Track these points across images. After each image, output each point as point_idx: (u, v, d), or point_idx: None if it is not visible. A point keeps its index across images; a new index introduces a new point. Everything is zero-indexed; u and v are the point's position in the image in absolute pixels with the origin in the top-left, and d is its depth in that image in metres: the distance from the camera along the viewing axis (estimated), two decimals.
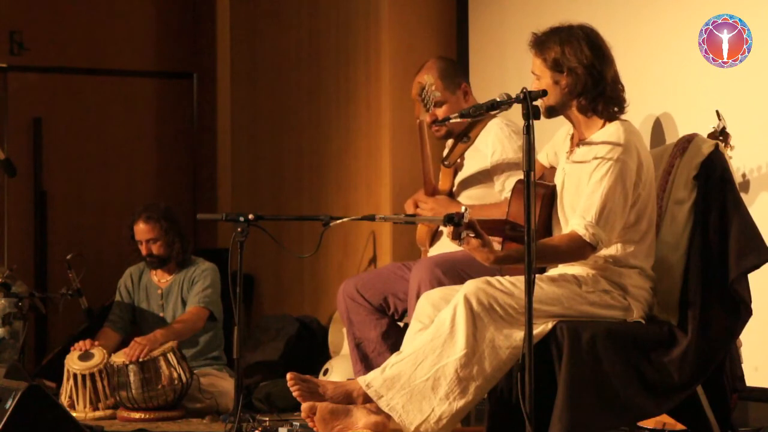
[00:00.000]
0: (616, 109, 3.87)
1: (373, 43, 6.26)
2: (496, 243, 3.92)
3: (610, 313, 3.82)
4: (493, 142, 4.79)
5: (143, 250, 5.79)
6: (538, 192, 3.93)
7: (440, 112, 4.84)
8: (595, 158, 3.78)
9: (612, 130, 3.82)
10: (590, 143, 3.84)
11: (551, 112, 3.90)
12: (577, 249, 3.75)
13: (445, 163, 4.89)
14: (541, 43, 3.88)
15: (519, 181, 4.06)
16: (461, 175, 4.88)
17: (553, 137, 4.16)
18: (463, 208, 3.64)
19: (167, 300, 5.84)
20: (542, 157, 4.18)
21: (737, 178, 4.00)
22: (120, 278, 5.98)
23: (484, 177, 4.82)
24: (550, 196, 3.98)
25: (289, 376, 3.90)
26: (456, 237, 3.65)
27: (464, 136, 4.87)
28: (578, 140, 3.92)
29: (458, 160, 4.85)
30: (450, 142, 4.98)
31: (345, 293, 4.86)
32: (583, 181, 3.81)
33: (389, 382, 3.76)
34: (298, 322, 6.40)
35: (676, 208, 3.94)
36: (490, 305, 3.72)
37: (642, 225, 3.85)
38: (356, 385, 3.85)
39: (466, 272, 4.26)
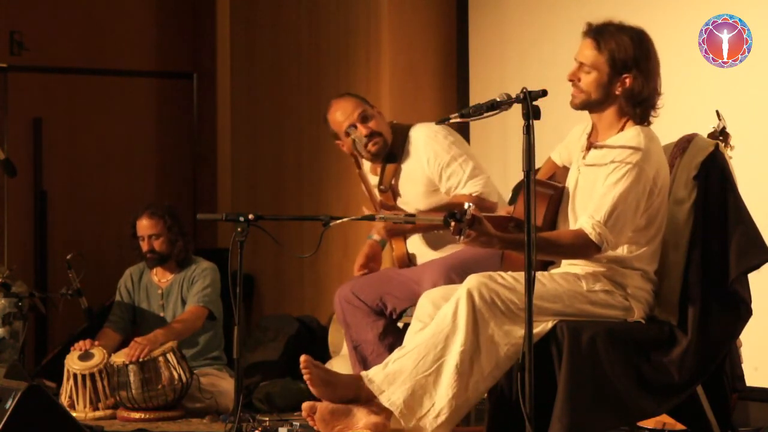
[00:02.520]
0: (652, 114, 3.85)
1: (373, 43, 6.26)
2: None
3: (611, 312, 3.82)
4: (425, 150, 4.81)
5: (144, 246, 5.79)
6: (546, 192, 3.92)
7: (372, 125, 4.85)
8: (614, 161, 3.75)
9: (632, 134, 3.79)
10: (609, 146, 3.81)
11: (587, 106, 3.84)
12: (581, 247, 3.74)
13: (381, 188, 4.91)
14: (606, 36, 3.80)
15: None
16: (412, 194, 4.89)
17: (567, 136, 4.13)
18: (466, 205, 3.63)
19: (167, 300, 5.84)
20: (555, 156, 4.15)
21: (737, 178, 4.00)
22: (120, 278, 5.99)
23: (431, 185, 4.83)
24: (558, 198, 3.96)
25: (303, 358, 3.86)
26: (457, 233, 3.64)
27: (390, 156, 4.89)
28: (595, 141, 3.90)
29: (392, 182, 4.88)
30: (370, 168, 4.98)
31: (341, 297, 4.87)
32: (598, 183, 3.79)
33: (391, 376, 3.76)
34: (298, 322, 6.41)
35: (676, 208, 3.93)
36: (492, 300, 3.71)
37: (651, 230, 3.83)
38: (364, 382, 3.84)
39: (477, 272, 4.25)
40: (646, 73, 3.80)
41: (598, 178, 3.80)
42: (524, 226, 3.74)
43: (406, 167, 4.87)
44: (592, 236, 3.71)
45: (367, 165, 5.02)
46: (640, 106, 3.81)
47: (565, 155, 4.11)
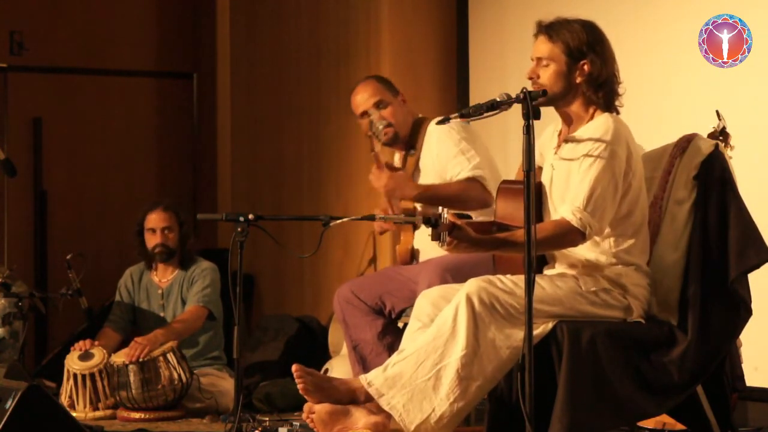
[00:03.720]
0: (616, 103, 3.87)
1: (373, 43, 6.26)
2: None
3: (611, 313, 3.82)
4: (437, 145, 4.85)
5: (157, 239, 5.78)
6: (521, 189, 3.91)
7: (386, 113, 4.91)
8: (585, 148, 3.76)
9: (601, 122, 3.81)
10: (579, 138, 3.82)
11: (551, 101, 3.85)
12: (565, 235, 3.73)
13: None
14: (557, 28, 3.84)
15: (504, 182, 4.06)
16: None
17: (540, 137, 4.14)
18: (440, 209, 3.63)
19: (167, 299, 5.84)
20: None
21: (737, 178, 4.00)
22: (120, 278, 5.99)
23: (440, 180, 4.84)
24: (537, 194, 3.96)
25: (294, 367, 3.87)
26: (435, 238, 3.64)
27: (410, 147, 4.94)
28: (567, 135, 3.91)
29: (414, 173, 4.91)
30: (398, 158, 5.04)
31: (340, 297, 4.88)
32: (573, 173, 3.80)
33: (390, 380, 3.76)
34: (298, 322, 6.40)
35: (676, 208, 3.93)
36: (492, 304, 3.71)
37: (636, 218, 3.84)
38: (360, 383, 3.84)
39: (475, 275, 4.26)
40: (603, 56, 3.83)
41: (572, 168, 3.80)
42: (506, 229, 3.76)
43: (422, 159, 4.90)
44: (574, 222, 3.70)
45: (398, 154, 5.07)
46: (602, 89, 3.83)
47: (538, 156, 4.09)
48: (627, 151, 3.78)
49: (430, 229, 3.65)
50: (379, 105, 4.92)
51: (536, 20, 3.90)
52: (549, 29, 3.85)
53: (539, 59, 3.85)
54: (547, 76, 3.83)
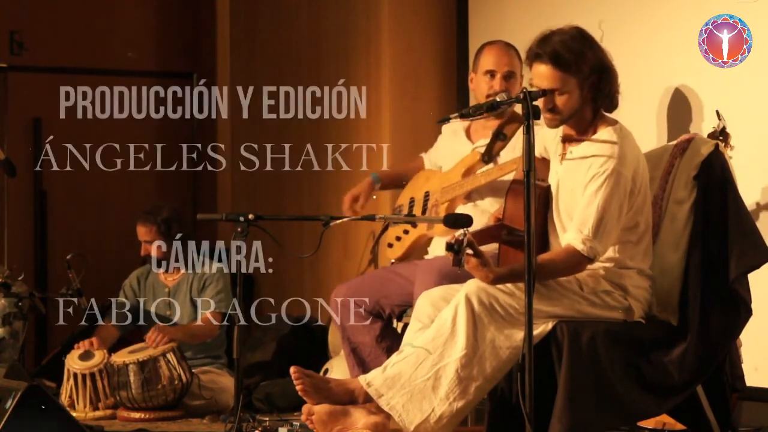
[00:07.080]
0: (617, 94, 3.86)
1: (373, 43, 6.26)
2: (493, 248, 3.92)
3: (611, 314, 3.82)
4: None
5: (142, 251, 5.82)
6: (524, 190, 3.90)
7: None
8: (590, 169, 3.75)
9: (606, 137, 3.79)
10: (583, 155, 3.81)
11: (567, 121, 3.84)
12: (576, 264, 3.75)
13: (485, 159, 4.82)
14: (562, 52, 3.76)
15: (513, 182, 4.04)
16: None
17: (541, 130, 4.12)
18: (460, 233, 3.61)
19: (175, 297, 5.83)
20: None
21: (737, 178, 4.00)
22: (119, 278, 5.99)
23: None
24: (545, 197, 3.96)
25: (292, 369, 3.88)
26: (456, 264, 3.63)
27: (500, 133, 4.81)
28: (570, 144, 3.89)
29: (496, 158, 4.78)
30: (484, 139, 4.90)
31: (336, 300, 4.87)
32: (577, 190, 3.78)
33: (390, 381, 3.76)
34: (297, 322, 6.40)
35: (676, 208, 3.93)
36: (491, 305, 3.72)
37: (640, 227, 3.84)
38: (359, 383, 3.85)
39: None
40: (607, 70, 3.80)
41: (576, 181, 3.78)
42: (516, 233, 3.75)
43: (508, 149, 4.82)
44: (584, 252, 3.72)
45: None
46: (608, 97, 3.82)
47: (542, 149, 4.06)
48: (632, 168, 3.77)
49: (451, 254, 3.62)
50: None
51: (527, 49, 3.81)
52: (553, 58, 3.74)
53: (553, 91, 3.77)
54: (563, 103, 3.78)
